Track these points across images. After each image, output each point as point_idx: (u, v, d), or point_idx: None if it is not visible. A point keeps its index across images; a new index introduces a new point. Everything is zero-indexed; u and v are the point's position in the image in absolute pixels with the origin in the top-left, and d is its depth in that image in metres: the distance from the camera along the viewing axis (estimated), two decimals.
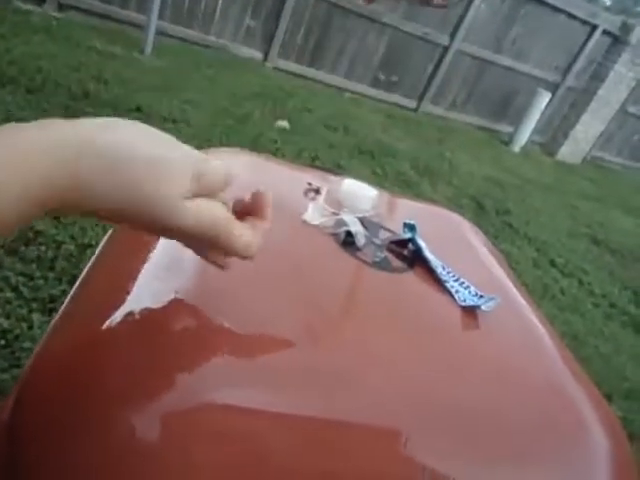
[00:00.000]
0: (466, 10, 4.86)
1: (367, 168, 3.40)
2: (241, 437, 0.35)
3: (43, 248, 1.61)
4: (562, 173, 5.58)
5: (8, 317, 1.35)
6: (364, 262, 0.54)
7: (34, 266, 1.53)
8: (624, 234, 4.26)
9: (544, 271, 3.11)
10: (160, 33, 3.74)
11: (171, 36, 4.03)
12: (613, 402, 2.09)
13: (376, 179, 3.27)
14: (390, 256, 0.57)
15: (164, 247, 0.47)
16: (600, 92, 5.70)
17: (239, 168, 0.66)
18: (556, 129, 6.10)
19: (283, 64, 4.58)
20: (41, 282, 1.49)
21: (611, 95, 5.78)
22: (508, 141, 5.63)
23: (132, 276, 0.43)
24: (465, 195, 3.68)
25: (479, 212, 3.51)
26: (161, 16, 3.82)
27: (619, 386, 2.18)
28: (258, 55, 4.50)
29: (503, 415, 0.45)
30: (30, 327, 1.34)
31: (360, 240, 0.56)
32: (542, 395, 0.49)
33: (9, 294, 1.41)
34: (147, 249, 0.47)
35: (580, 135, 6.02)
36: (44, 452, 0.35)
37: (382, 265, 0.55)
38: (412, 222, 0.60)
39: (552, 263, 3.24)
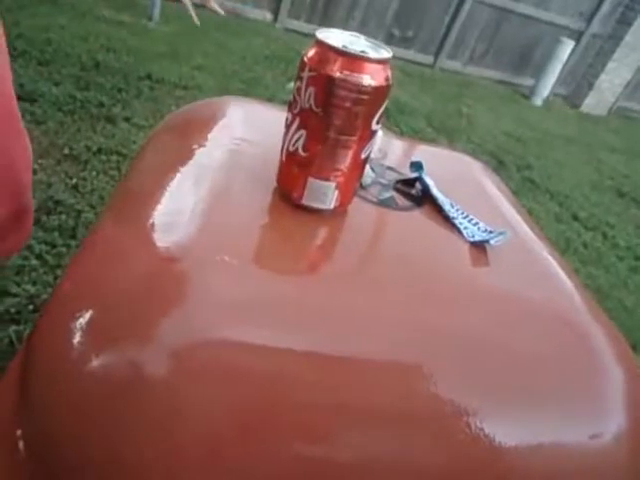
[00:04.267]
0: None
1: (382, 127, 3.33)
2: (253, 374, 0.35)
3: (64, 217, 1.64)
4: (586, 125, 5.37)
5: (34, 284, 1.40)
6: (369, 201, 0.53)
7: (56, 234, 1.57)
8: None
9: (567, 225, 3.04)
10: None
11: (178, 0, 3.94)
12: (637, 352, 2.07)
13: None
14: (397, 195, 0.56)
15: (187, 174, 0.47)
16: (627, 38, 5.39)
17: (250, 113, 0.65)
18: (580, 79, 5.84)
19: (294, 24, 4.46)
20: (64, 250, 1.53)
21: (639, 40, 5.48)
22: (529, 94, 5.42)
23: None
24: (484, 151, 3.59)
25: (499, 168, 3.42)
26: None
27: None
28: (268, 16, 4.39)
29: (515, 347, 0.45)
30: None
31: (366, 180, 0.56)
32: (554, 326, 0.48)
33: (34, 262, 1.46)
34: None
35: (605, 85, 5.75)
36: (55, 393, 0.36)
37: (388, 203, 0.54)
38: (419, 160, 0.58)
39: (575, 217, 3.16)
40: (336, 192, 0.46)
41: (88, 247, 0.47)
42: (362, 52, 0.41)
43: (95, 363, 0.38)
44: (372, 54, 0.41)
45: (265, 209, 0.48)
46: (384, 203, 0.54)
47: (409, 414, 0.37)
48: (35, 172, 1.80)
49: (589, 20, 5.46)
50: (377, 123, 0.44)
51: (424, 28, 4.98)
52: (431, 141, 3.40)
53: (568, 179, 3.68)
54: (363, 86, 0.40)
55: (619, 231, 3.15)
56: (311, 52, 0.42)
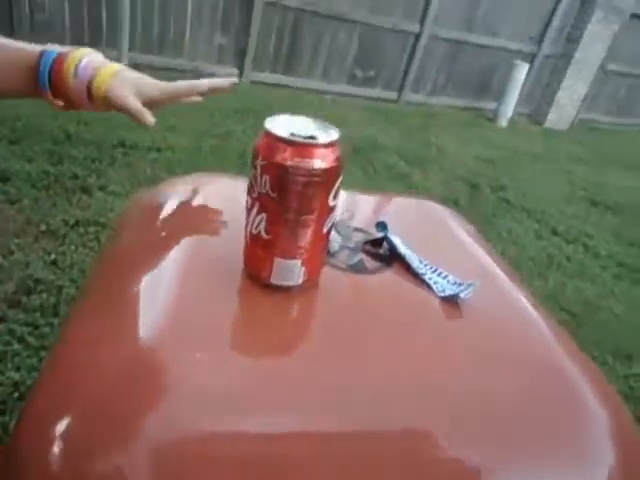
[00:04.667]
0: None
1: (356, 166, 3.40)
2: (245, 464, 0.35)
3: (44, 295, 1.62)
4: (552, 140, 5.56)
5: (18, 369, 1.37)
6: (339, 268, 0.54)
7: (37, 314, 1.55)
8: (623, 191, 4.24)
9: (547, 241, 3.10)
10: (133, 64, 3.76)
11: (145, 65, 4.05)
12: (634, 361, 2.08)
13: (366, 177, 3.28)
14: (366, 257, 0.58)
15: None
16: (577, 55, 5.68)
17: (216, 192, 0.67)
18: (540, 98, 6.08)
19: (259, 76, 4.60)
20: (46, 330, 1.51)
21: (589, 56, 5.76)
22: (493, 117, 5.61)
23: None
24: (457, 177, 3.68)
25: (474, 192, 3.50)
26: (132, 47, 3.85)
27: (638, 344, 2.17)
28: (233, 71, 4.53)
29: (497, 398, 0.45)
30: None
31: (334, 246, 0.57)
32: (534, 374, 0.49)
33: (17, 346, 1.43)
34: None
35: (564, 100, 5.99)
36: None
37: (357, 268, 0.55)
38: (382, 220, 0.60)
39: (554, 232, 3.23)
40: (303, 268, 0.47)
41: (60, 349, 0.47)
42: (310, 137, 0.43)
43: (76, 474, 0.37)
44: (320, 137, 0.43)
45: (236, 292, 0.49)
46: (353, 268, 0.55)
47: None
48: (12, 252, 1.79)
49: (539, 42, 5.74)
50: (334, 198, 0.46)
51: (385, 66, 5.17)
52: (405, 175, 3.48)
53: (542, 195, 3.77)
54: (314, 169, 0.42)
55: (599, 240, 3.21)
56: (261, 141, 0.43)
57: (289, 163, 0.41)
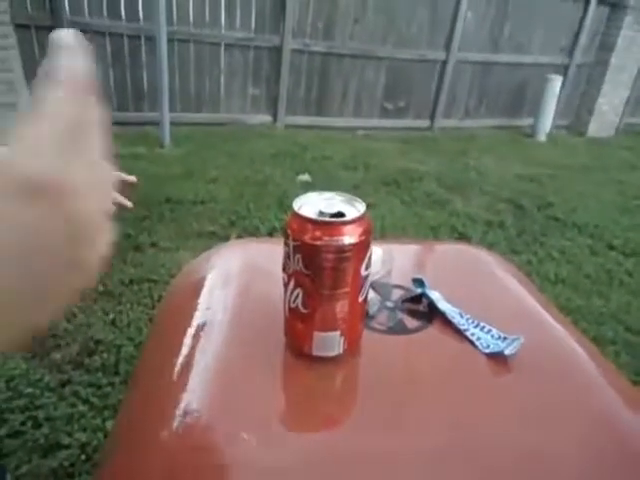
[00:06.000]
0: (453, 22, 4.92)
1: (395, 198, 3.41)
2: None
3: (105, 355, 1.70)
4: (597, 150, 5.36)
5: (85, 430, 1.43)
6: (379, 330, 0.55)
7: (100, 374, 1.62)
8: None
9: (604, 257, 2.95)
10: (175, 124, 3.99)
11: (185, 124, 4.28)
12: None
13: (405, 207, 3.27)
14: (406, 317, 0.58)
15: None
16: (613, 60, 5.52)
17: (258, 259, 0.70)
18: (578, 108, 5.91)
19: (292, 120, 4.75)
20: (109, 389, 1.57)
21: (626, 60, 5.59)
22: (531, 133, 5.50)
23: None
24: (500, 199, 3.60)
25: (519, 213, 3.41)
26: (172, 109, 4.09)
27: None
28: (267, 119, 4.70)
29: (559, 456, 0.43)
30: (106, 435, 1.41)
31: (373, 308, 0.57)
32: (592, 432, 0.47)
33: (82, 407, 1.49)
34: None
35: (605, 107, 5.80)
36: None
37: (398, 329, 0.55)
38: (419, 277, 0.60)
39: (610, 246, 3.07)
40: (342, 338, 0.48)
41: (114, 441, 0.49)
42: (337, 213, 0.45)
43: None
44: (348, 212, 0.45)
45: (279, 366, 0.50)
46: (394, 330, 0.55)
47: None
48: (75, 315, 1.90)
49: (571, 53, 5.63)
50: (366, 269, 0.47)
51: (415, 95, 5.22)
52: (445, 201, 3.44)
53: (593, 208, 3.62)
54: (344, 246, 0.43)
55: None
56: (291, 221, 0.45)
57: (319, 243, 0.43)
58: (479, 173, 4.11)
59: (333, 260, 0.43)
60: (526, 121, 5.67)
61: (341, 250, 0.43)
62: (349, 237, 0.44)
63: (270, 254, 0.70)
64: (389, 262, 0.68)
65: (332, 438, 0.44)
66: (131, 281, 2.13)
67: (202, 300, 0.61)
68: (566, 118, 5.90)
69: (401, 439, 0.44)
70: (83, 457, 1.34)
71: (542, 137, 5.42)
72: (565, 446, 0.44)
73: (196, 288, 0.64)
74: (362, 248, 0.45)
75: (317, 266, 0.44)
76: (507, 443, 0.44)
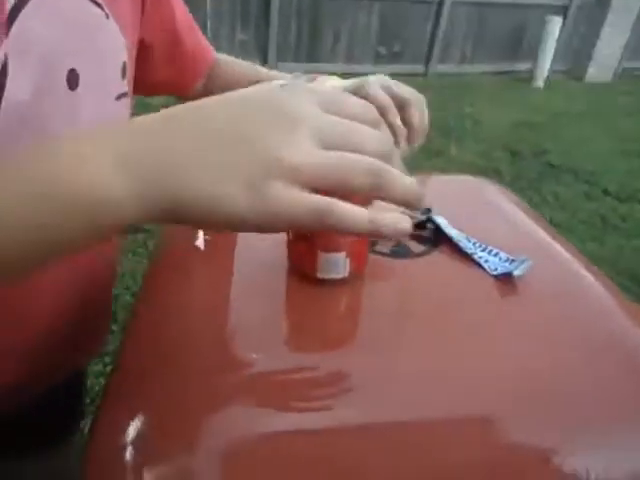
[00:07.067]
0: None
1: None
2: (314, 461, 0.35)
3: None
4: (595, 95, 5.26)
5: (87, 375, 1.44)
6: (383, 254, 0.53)
7: None
8: None
9: (599, 202, 2.95)
10: None
11: None
12: None
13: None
14: (410, 241, 0.56)
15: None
16: (614, 2, 5.32)
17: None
18: (577, 51, 5.75)
19: (283, 66, 4.58)
20: (108, 336, 1.57)
21: (628, 1, 5.39)
22: (529, 78, 5.36)
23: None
24: (497, 146, 3.55)
25: (515, 160, 3.37)
26: None
27: None
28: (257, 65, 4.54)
29: (571, 376, 0.43)
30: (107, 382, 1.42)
31: None
32: (602, 352, 0.46)
33: None
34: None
35: (605, 51, 5.64)
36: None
37: (403, 253, 0.54)
38: (427, 207, 0.58)
39: (606, 192, 3.07)
40: (347, 260, 0.46)
41: (128, 352, 0.48)
42: None
43: (151, 474, 0.38)
44: None
45: (283, 288, 0.49)
46: (398, 254, 0.53)
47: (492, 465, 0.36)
48: None
49: None
50: None
51: (409, 40, 5.04)
52: (441, 149, 3.39)
53: (589, 154, 3.58)
54: None
55: None
56: None
57: None
58: (475, 120, 4.03)
59: None
60: (524, 66, 5.52)
61: None
62: None
63: None
64: None
65: (337, 358, 0.43)
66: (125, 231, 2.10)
67: (200, 233, 0.59)
68: (564, 63, 5.74)
69: (407, 360, 0.43)
70: (87, 400, 1.36)
71: (540, 82, 5.30)
72: (577, 365, 0.44)
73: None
74: None
75: None
76: (519, 361, 0.43)
